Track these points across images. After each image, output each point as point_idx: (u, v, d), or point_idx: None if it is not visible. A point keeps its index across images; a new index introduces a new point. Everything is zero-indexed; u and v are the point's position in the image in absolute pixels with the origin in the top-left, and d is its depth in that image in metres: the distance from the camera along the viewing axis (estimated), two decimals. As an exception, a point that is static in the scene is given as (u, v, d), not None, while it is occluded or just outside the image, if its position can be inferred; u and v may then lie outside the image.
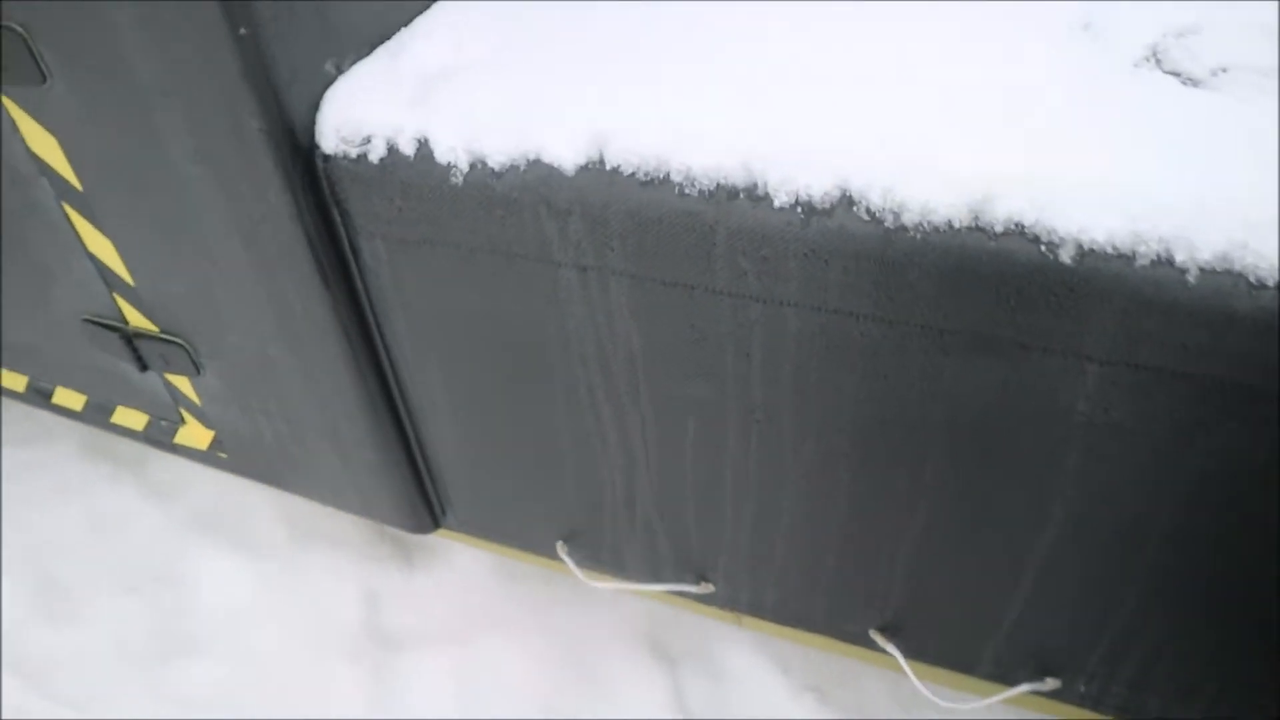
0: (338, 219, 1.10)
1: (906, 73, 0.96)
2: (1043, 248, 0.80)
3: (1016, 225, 0.81)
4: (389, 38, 1.14)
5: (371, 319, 1.21)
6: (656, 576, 1.37)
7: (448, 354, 1.20)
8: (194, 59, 0.96)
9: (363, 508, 1.51)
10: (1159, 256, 0.77)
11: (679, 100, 0.94)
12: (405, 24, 1.16)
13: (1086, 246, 0.79)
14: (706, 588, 1.33)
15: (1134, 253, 0.78)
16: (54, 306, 1.45)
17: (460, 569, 1.85)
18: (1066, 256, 0.80)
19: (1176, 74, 0.97)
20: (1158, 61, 1.00)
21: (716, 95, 0.94)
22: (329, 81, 1.06)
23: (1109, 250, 0.78)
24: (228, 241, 1.14)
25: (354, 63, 1.09)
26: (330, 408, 1.31)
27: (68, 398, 1.68)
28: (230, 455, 1.56)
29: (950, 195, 0.82)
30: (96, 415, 1.67)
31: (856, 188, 0.85)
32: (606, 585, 1.38)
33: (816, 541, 1.17)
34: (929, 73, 0.96)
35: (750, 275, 0.92)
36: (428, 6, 1.19)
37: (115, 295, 1.35)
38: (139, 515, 2.01)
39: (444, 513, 1.50)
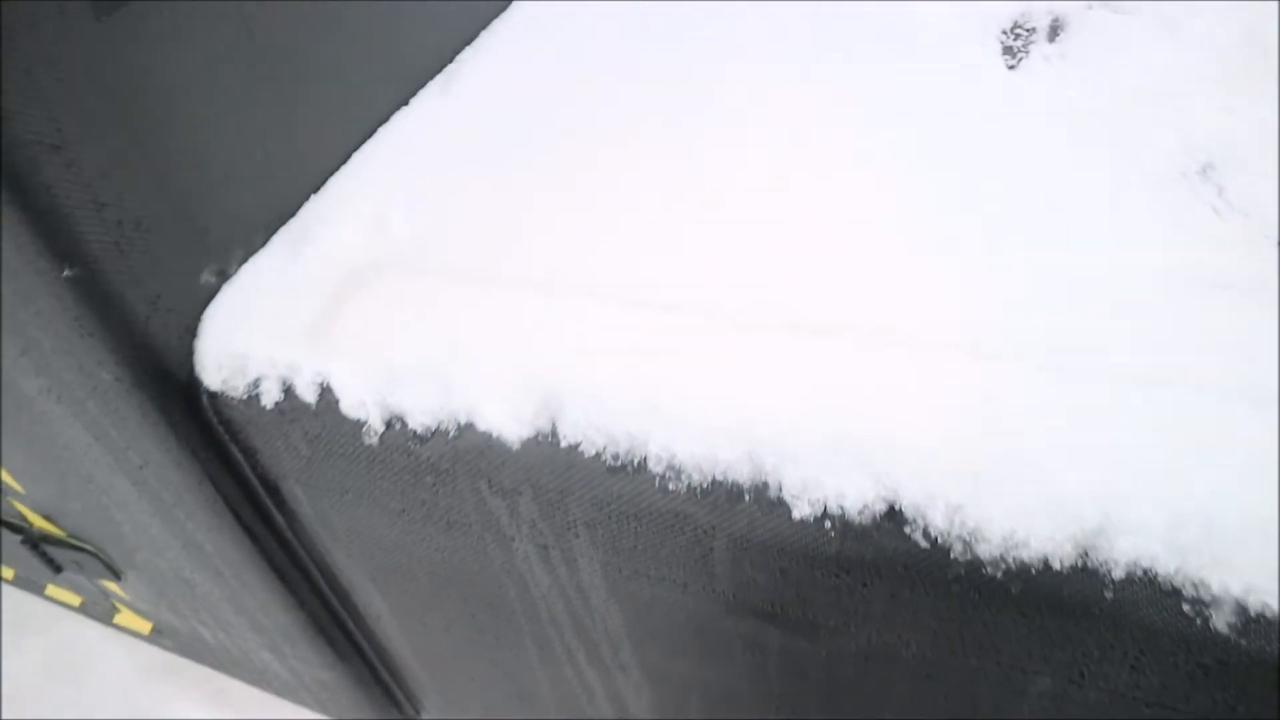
0: (240, 457, 0.87)
1: (968, 287, 0.70)
2: (1185, 607, 0.55)
3: (1146, 573, 0.55)
4: (294, 211, 0.89)
5: (301, 549, 0.98)
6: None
7: (394, 595, 0.97)
8: (15, 302, 0.73)
9: (324, 712, 1.30)
10: (1369, 635, 0.52)
11: (655, 347, 0.69)
12: (316, 187, 0.92)
13: (1255, 611, 0.54)
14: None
15: (1329, 626, 0.53)
16: (-48, 496, 1.24)
17: (454, 723, 1.65)
18: (1223, 622, 0.54)
19: (1342, 256, 0.70)
20: (1313, 234, 0.73)
21: (706, 341, 0.68)
22: (210, 293, 0.82)
23: (1290, 620, 0.53)
24: (113, 479, 0.92)
25: (245, 259, 0.85)
26: (267, 631, 1.10)
27: (-3, 567, 1.49)
28: (175, 645, 1.36)
29: (1048, 521, 0.57)
30: (30, 586, 1.48)
31: (910, 501, 0.59)
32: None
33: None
34: (999, 284, 0.70)
35: (762, 585, 0.68)
36: (345, 159, 0.94)
37: (10, 500, 1.13)
38: (103, 658, 1.81)
39: (418, 713, 1.29)
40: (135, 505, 0.94)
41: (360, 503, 0.84)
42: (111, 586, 1.24)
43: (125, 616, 1.35)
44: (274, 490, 0.90)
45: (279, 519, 0.94)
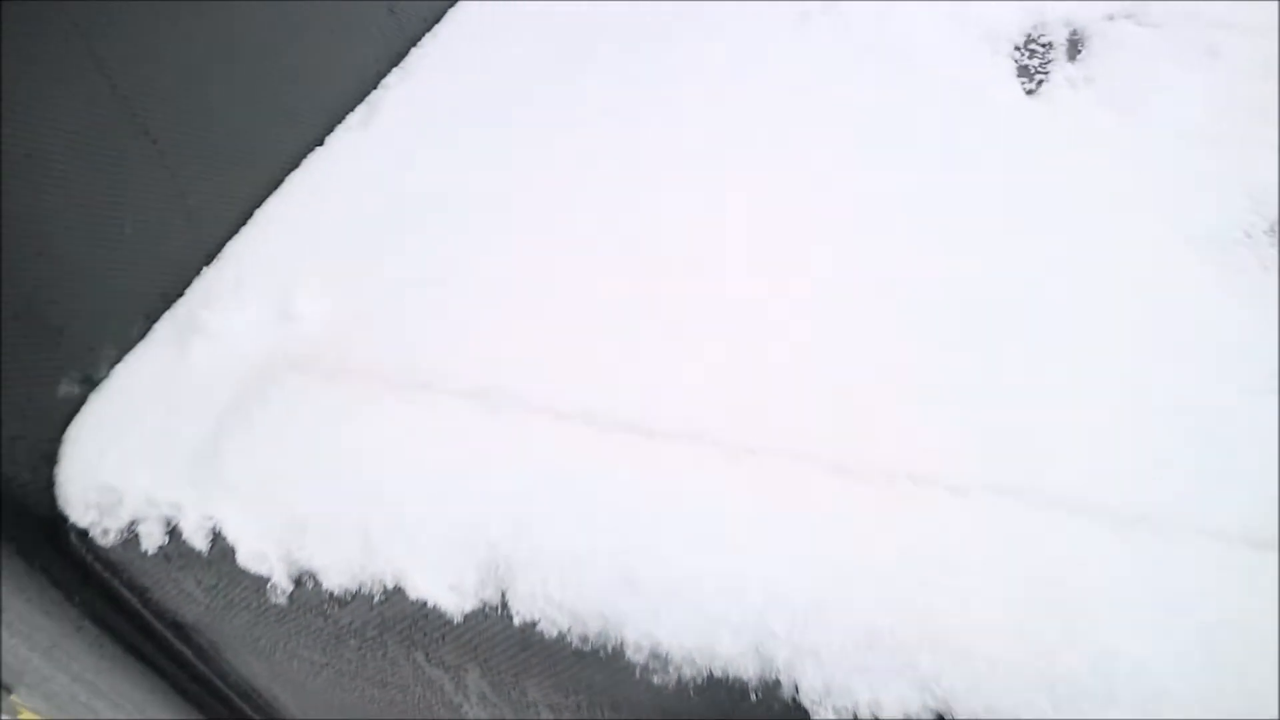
0: (128, 593, 0.71)
1: (1009, 406, 0.56)
2: None
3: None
4: (183, 289, 0.73)
5: (217, 679, 0.83)
6: None
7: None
8: None
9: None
10: None
11: (632, 492, 0.54)
12: (210, 257, 0.75)
13: None
14: None
15: None
16: None
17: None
18: None
19: None
20: None
21: (696, 483, 0.54)
22: (73, 407, 0.66)
23: None
24: (-27, 616, 0.76)
25: (118, 359, 0.69)
26: (186, 757, 0.95)
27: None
28: (90, 745, 1.20)
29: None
30: (-76, 677, 1.30)
31: (968, 717, 0.46)
32: None
33: None
34: (1047, 401, 0.56)
35: (774, 785, 0.55)
36: (246, 218, 0.78)
37: (-128, 613, 0.96)
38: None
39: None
40: (6, 643, 0.79)
41: (276, 652, 0.69)
42: (7, 696, 1.07)
43: (29, 716, 1.19)
44: (175, 626, 0.75)
45: (187, 653, 0.79)
